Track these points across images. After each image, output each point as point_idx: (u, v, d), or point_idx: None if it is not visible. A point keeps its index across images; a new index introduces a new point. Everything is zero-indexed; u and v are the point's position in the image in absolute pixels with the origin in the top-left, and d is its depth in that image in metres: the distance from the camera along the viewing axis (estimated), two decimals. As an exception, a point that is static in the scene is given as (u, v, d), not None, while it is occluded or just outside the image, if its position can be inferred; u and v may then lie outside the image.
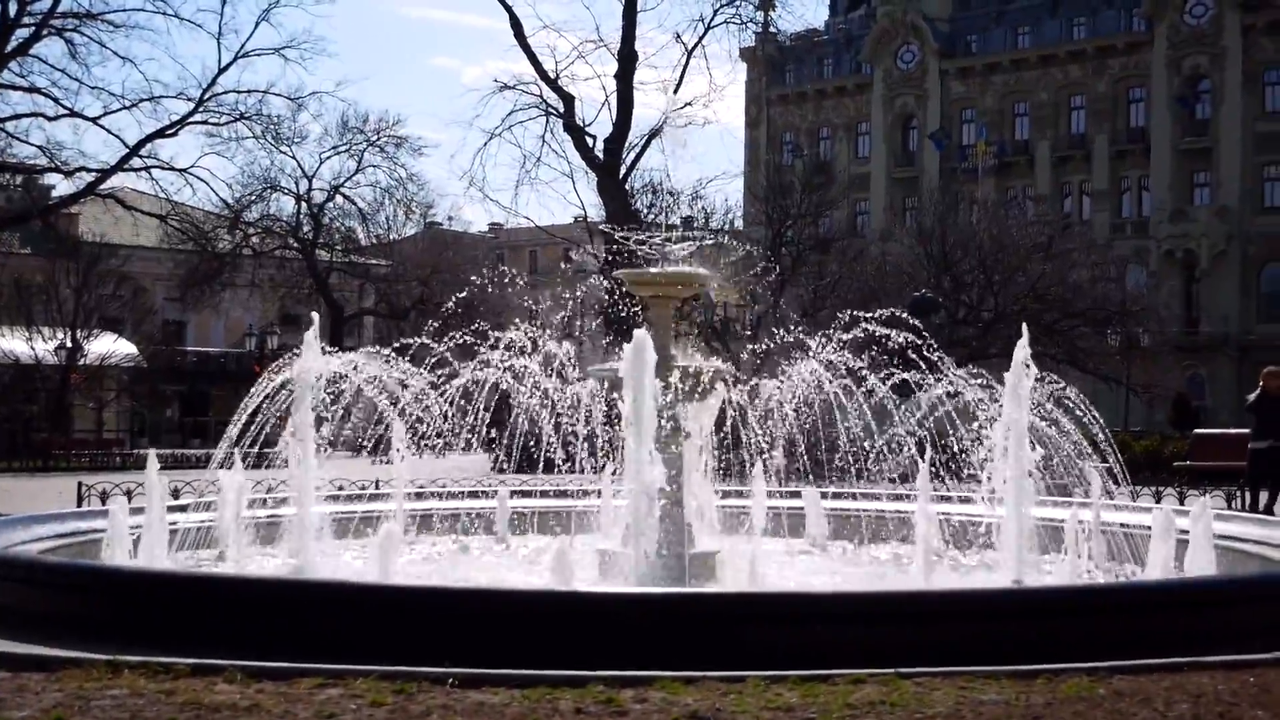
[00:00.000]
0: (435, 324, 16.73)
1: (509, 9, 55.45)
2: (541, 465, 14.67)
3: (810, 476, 15.77)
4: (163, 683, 7.35)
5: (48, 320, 58.27)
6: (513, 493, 17.39)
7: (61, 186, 58.35)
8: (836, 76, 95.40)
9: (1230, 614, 9.44)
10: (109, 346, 60.54)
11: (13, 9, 49.85)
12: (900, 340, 14.49)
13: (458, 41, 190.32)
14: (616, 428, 12.80)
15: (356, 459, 16.10)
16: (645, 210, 55.97)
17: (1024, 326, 12.74)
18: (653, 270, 13.74)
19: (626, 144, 55.65)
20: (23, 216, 57.13)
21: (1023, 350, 12.31)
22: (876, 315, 14.59)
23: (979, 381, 13.52)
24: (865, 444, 14.40)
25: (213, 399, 73.27)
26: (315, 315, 13.33)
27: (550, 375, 13.98)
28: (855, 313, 14.67)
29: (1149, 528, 12.79)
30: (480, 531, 16.42)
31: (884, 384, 14.37)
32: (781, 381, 13.94)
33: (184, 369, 73.96)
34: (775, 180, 66.09)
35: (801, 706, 6.98)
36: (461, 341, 14.81)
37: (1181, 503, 20.00)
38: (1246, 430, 25.18)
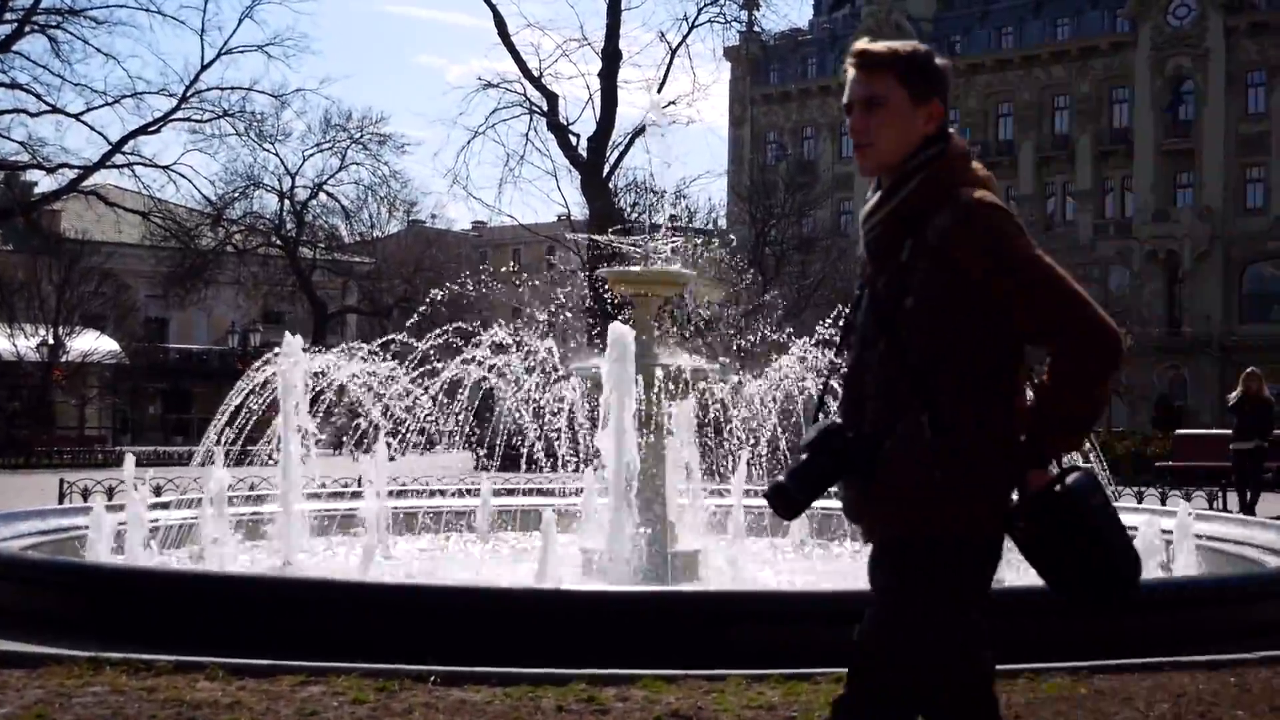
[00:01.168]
0: (418, 316, 16.70)
1: (493, 7, 55.46)
2: (524, 463, 14.66)
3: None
4: (144, 680, 7.33)
5: (30, 317, 58.10)
6: (495, 491, 17.38)
7: (44, 183, 58.24)
8: (821, 76, 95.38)
9: (1211, 614, 9.48)
10: (91, 343, 60.41)
11: (-5, 6, 49.75)
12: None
13: (442, 40, 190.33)
14: (599, 425, 12.81)
15: (336, 456, 16.10)
16: (629, 209, 55.94)
17: None
18: (636, 269, 13.74)
19: (610, 142, 55.65)
20: (5, 213, 56.95)
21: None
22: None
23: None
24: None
25: (195, 396, 73.12)
26: (293, 335, 13.26)
27: (533, 373, 13.99)
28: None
29: (1132, 528, 12.81)
30: (463, 529, 16.41)
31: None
32: (765, 379, 13.95)
33: (166, 366, 73.85)
34: (759, 179, 66.19)
35: (783, 705, 6.99)
36: (444, 339, 14.80)
37: (1163, 503, 20.07)
38: (1228, 431, 25.30)
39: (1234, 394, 24.25)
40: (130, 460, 13.55)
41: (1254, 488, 23.11)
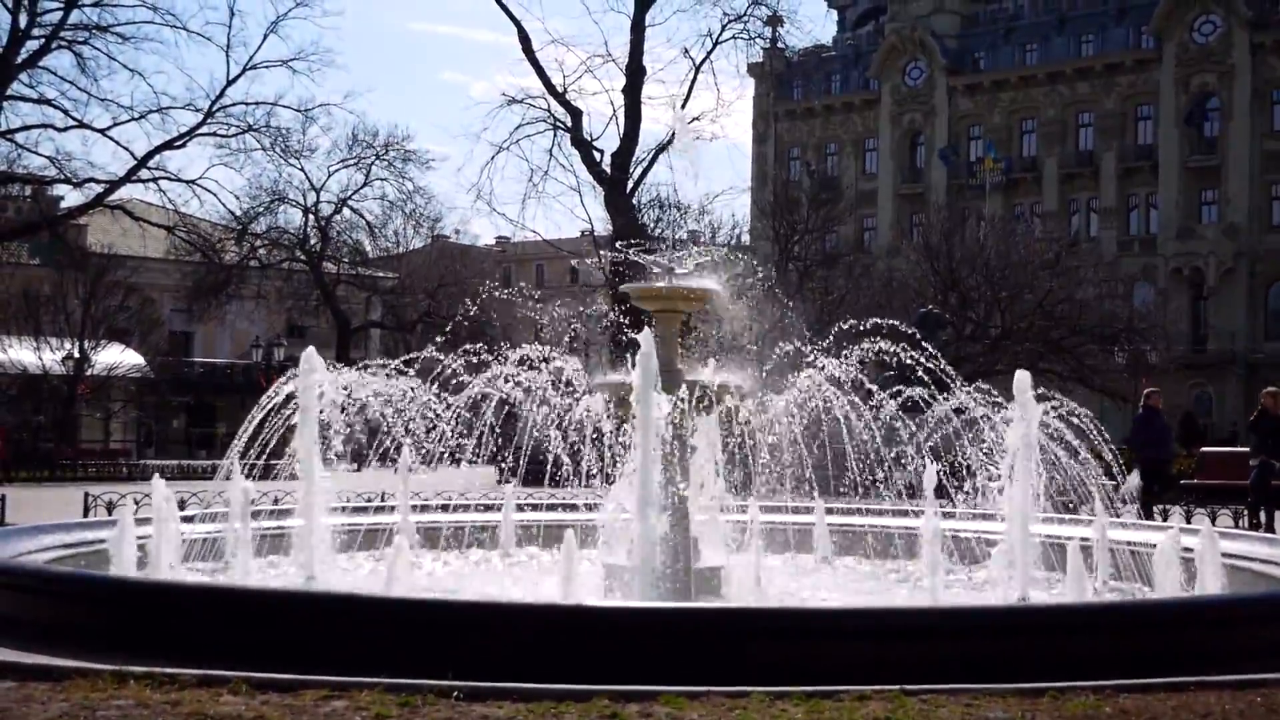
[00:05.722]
0: (442, 338, 16.70)
1: (518, 23, 55.68)
2: (548, 478, 14.66)
3: (817, 492, 15.74)
4: (168, 693, 7.35)
5: (55, 331, 58.39)
6: (518, 506, 17.38)
7: (70, 197, 58.49)
8: (844, 92, 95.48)
9: (1237, 633, 9.42)
10: (116, 357, 60.67)
11: (23, 21, 49.99)
12: (900, 352, 14.51)
13: (466, 56, 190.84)
14: (622, 441, 12.80)
15: (358, 472, 16.11)
16: (652, 225, 55.99)
17: (1022, 373, 12.64)
18: (659, 284, 13.73)
19: (634, 158, 55.71)
20: (31, 227, 57.19)
21: (1026, 378, 12.34)
22: (883, 326, 14.62)
23: (987, 399, 13.52)
24: (873, 460, 14.38)
25: (219, 410, 73.38)
26: (314, 350, 13.27)
27: (558, 388, 13.98)
28: (865, 323, 14.71)
29: (1156, 546, 12.76)
30: (486, 544, 16.42)
31: (892, 399, 14.37)
32: (790, 397, 13.92)
33: (191, 380, 74.16)
34: (782, 196, 66.13)
35: (807, 722, 6.98)
36: (470, 356, 14.81)
37: (1188, 520, 19.98)
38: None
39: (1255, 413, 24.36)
40: (158, 478, 13.60)
41: (1253, 504, 23.05)
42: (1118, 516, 14.37)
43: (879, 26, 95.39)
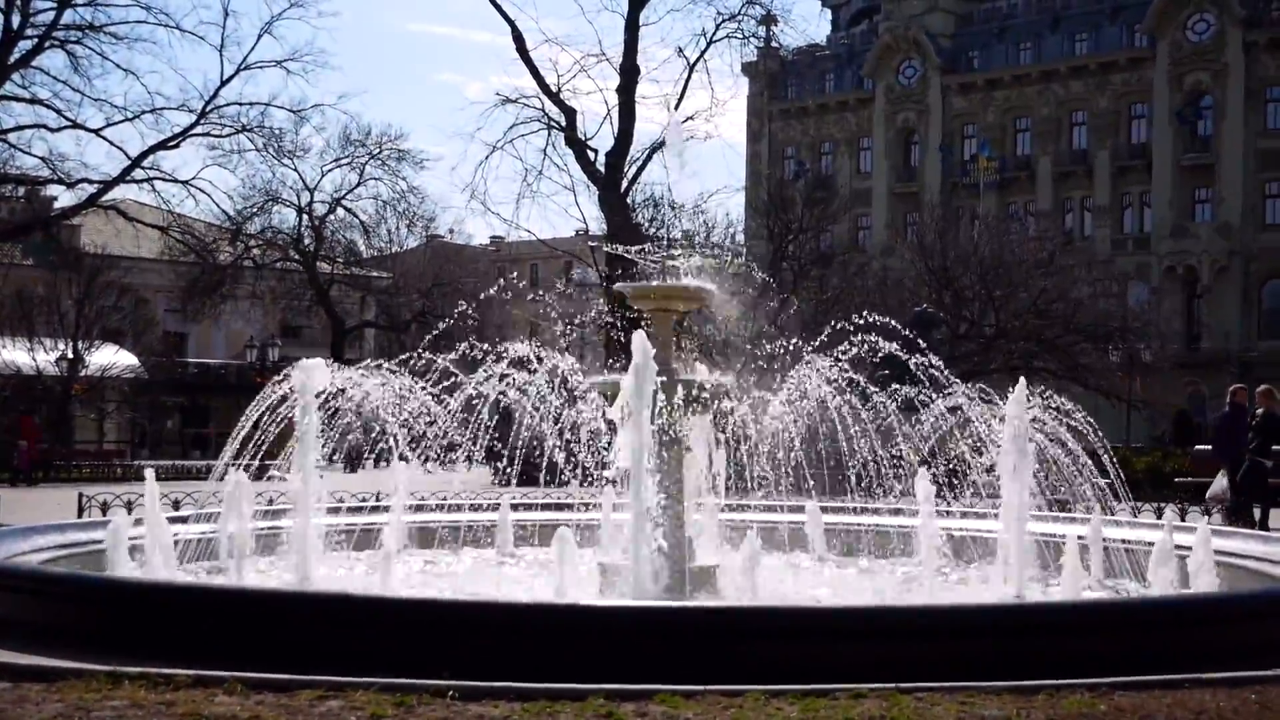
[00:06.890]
0: (435, 334, 16.66)
1: (511, 23, 55.53)
2: (543, 478, 14.66)
3: (812, 490, 15.74)
4: (163, 694, 7.34)
5: (49, 331, 58.36)
6: (514, 506, 17.37)
7: (64, 198, 58.39)
8: (838, 91, 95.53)
9: (1232, 630, 9.43)
10: (110, 358, 60.64)
11: (15, 21, 49.90)
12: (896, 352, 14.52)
13: (463, 57, 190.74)
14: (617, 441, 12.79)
15: (351, 473, 16.09)
16: (646, 224, 55.92)
17: (1022, 381, 12.63)
18: (654, 284, 13.73)
19: (628, 158, 55.66)
20: (25, 228, 57.13)
21: (1022, 387, 12.35)
22: (876, 323, 14.64)
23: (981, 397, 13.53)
24: (870, 459, 14.38)
25: (213, 411, 73.33)
26: (311, 359, 13.25)
27: (553, 388, 13.97)
28: (859, 319, 14.71)
29: (1150, 544, 12.77)
30: (483, 544, 16.41)
31: (889, 399, 14.37)
32: (786, 397, 13.92)
33: (185, 380, 74.07)
34: (777, 195, 66.09)
35: (802, 721, 6.98)
36: (465, 355, 14.79)
37: (1183, 519, 19.99)
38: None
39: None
40: (151, 474, 13.56)
41: (1245, 502, 23.03)
42: (1111, 514, 14.37)
43: (873, 25, 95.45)
